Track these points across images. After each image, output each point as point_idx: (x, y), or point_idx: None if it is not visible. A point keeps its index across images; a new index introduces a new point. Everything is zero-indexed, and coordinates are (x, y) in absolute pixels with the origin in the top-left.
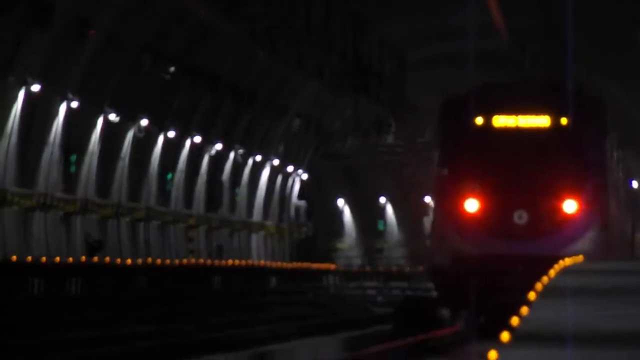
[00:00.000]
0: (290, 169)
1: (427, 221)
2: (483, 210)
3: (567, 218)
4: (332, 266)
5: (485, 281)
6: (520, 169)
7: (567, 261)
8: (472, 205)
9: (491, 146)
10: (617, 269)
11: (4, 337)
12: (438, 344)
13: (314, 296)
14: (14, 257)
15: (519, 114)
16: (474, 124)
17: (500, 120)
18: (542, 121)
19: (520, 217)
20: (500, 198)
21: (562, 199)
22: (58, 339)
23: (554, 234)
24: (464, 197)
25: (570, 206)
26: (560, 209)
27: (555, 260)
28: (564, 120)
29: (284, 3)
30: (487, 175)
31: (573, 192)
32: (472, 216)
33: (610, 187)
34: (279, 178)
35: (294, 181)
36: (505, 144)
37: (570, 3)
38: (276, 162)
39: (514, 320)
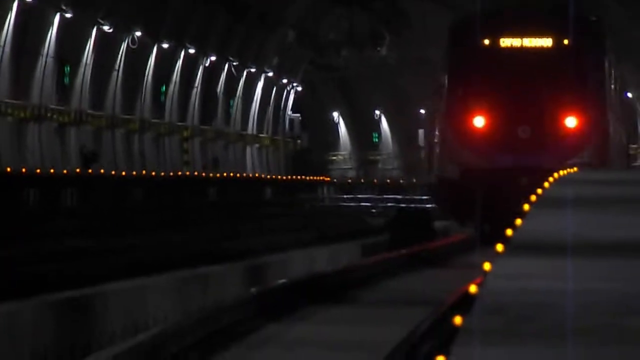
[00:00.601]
0: (284, 81)
1: (422, 133)
2: (489, 125)
3: (568, 132)
4: (327, 178)
5: (491, 192)
6: (524, 87)
7: (562, 172)
8: (479, 121)
9: (497, 66)
10: (611, 179)
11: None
12: (432, 255)
13: (308, 208)
14: (8, 169)
15: (524, 36)
16: (481, 45)
17: (506, 41)
18: (545, 42)
19: (524, 132)
20: (505, 114)
21: (563, 115)
22: (53, 248)
23: (555, 148)
24: (472, 114)
25: (571, 121)
26: (561, 124)
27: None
28: (566, 41)
29: None
30: (493, 93)
31: (574, 109)
32: (479, 131)
33: (609, 103)
34: (274, 90)
35: (288, 93)
36: (511, 63)
37: None
38: (270, 74)
39: (509, 231)
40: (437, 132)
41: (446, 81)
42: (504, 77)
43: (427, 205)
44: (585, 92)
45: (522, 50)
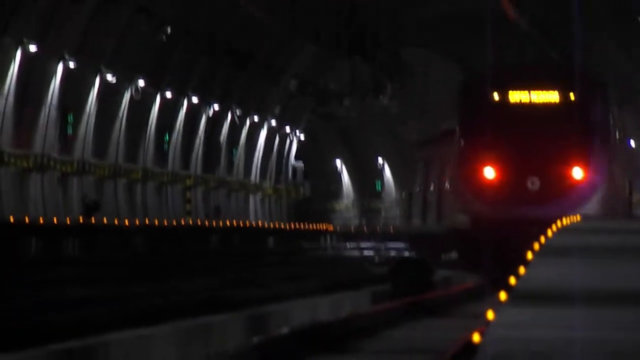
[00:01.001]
0: (287, 129)
1: (419, 181)
2: (499, 177)
3: (575, 184)
4: (330, 227)
5: (500, 242)
6: (533, 140)
7: (565, 221)
8: (489, 172)
9: (507, 119)
10: (613, 228)
11: (1, 295)
12: (434, 304)
13: (311, 256)
14: (11, 218)
15: (532, 91)
16: (491, 100)
17: (515, 96)
18: (552, 97)
19: (533, 184)
20: (515, 166)
21: (570, 167)
22: (54, 297)
23: (563, 198)
24: (483, 165)
25: (577, 173)
26: (568, 176)
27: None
28: (571, 96)
29: None
30: (503, 145)
31: (580, 161)
32: (489, 182)
33: (612, 155)
34: (276, 139)
35: (291, 142)
36: (520, 117)
37: None
38: (273, 123)
39: (512, 280)
40: (447, 182)
41: (458, 134)
42: (513, 131)
43: (427, 253)
44: (590, 145)
45: (530, 105)
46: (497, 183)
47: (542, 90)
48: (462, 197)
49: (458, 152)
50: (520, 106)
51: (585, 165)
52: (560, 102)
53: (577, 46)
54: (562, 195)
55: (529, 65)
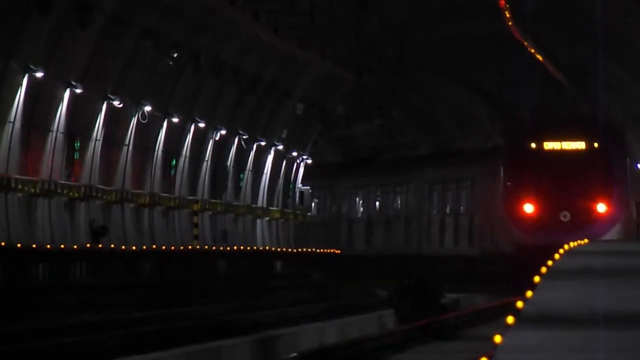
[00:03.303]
0: (294, 153)
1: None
2: (537, 211)
3: (599, 216)
4: (337, 251)
5: (538, 264)
6: (564, 181)
7: (572, 244)
8: (529, 208)
9: (542, 164)
10: (620, 250)
11: (10, 322)
12: (442, 328)
13: (319, 280)
14: (19, 245)
15: (563, 140)
16: (529, 147)
17: (549, 145)
18: (580, 145)
19: (565, 216)
20: (549, 202)
21: (595, 203)
22: (62, 323)
23: (589, 228)
24: (523, 202)
25: (601, 207)
26: (594, 210)
27: None
28: (596, 144)
29: None
30: (539, 185)
31: (603, 197)
32: (529, 216)
33: (628, 191)
34: (283, 163)
35: (298, 166)
36: (553, 162)
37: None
38: (280, 147)
39: (519, 303)
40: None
41: (502, 176)
42: (548, 173)
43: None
44: (611, 184)
45: (562, 152)
46: (535, 216)
47: (571, 139)
48: (506, 228)
49: (502, 191)
50: (554, 153)
51: (607, 201)
52: (586, 149)
53: (600, 102)
54: (589, 226)
55: (560, 117)
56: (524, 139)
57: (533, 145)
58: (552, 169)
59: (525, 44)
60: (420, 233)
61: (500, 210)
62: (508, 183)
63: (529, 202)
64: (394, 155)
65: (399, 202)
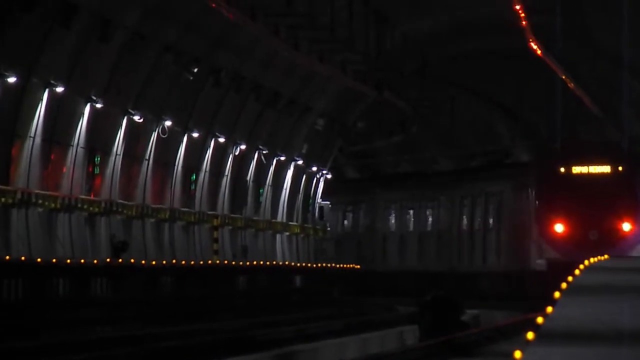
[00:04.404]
0: (314, 168)
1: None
2: (568, 230)
3: (624, 234)
4: (357, 266)
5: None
6: (591, 202)
7: (593, 259)
8: (560, 227)
9: (571, 187)
10: (638, 267)
11: (29, 337)
12: (463, 343)
13: (339, 296)
14: (39, 259)
15: (589, 165)
16: (559, 172)
17: (577, 169)
18: (605, 169)
19: (593, 235)
20: (579, 222)
21: (621, 222)
22: (84, 338)
23: (616, 245)
24: (554, 222)
25: (626, 226)
26: (619, 229)
27: None
28: (620, 168)
29: (307, 1)
30: (569, 207)
31: (627, 217)
32: (560, 235)
33: None
34: (303, 178)
35: (318, 181)
36: (581, 185)
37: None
38: (300, 162)
39: (539, 319)
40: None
41: (535, 199)
42: (577, 195)
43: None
44: (635, 205)
45: (589, 175)
46: (566, 235)
47: (597, 164)
48: (539, 247)
49: (535, 212)
50: (581, 177)
51: (632, 220)
52: (611, 173)
53: (625, 131)
54: (615, 243)
55: (587, 144)
56: (554, 164)
57: (562, 169)
58: (580, 191)
59: (547, 60)
60: (451, 249)
61: (533, 230)
62: (539, 205)
63: (559, 222)
64: (420, 170)
65: (430, 217)
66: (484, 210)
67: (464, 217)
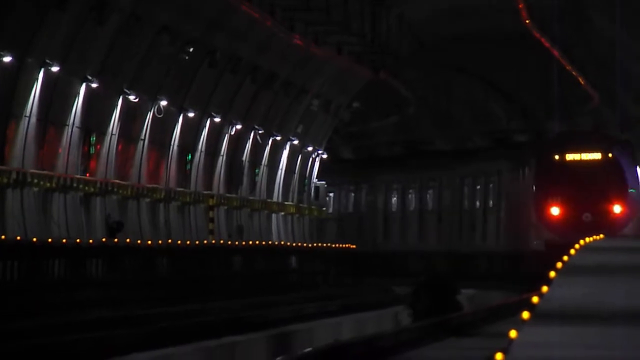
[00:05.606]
0: (309, 148)
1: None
2: (563, 213)
3: (616, 216)
4: (353, 246)
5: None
6: (584, 187)
7: (588, 239)
8: (555, 210)
9: (566, 172)
10: (634, 247)
11: (25, 318)
12: (458, 324)
13: (334, 276)
14: (34, 239)
15: (582, 152)
16: (554, 159)
17: (570, 156)
18: (596, 156)
19: (587, 217)
20: (573, 205)
21: (612, 205)
22: (79, 319)
23: (608, 226)
24: (550, 205)
25: (617, 208)
26: (611, 211)
27: None
28: (610, 155)
29: None
30: (564, 191)
31: (618, 200)
32: (556, 217)
33: (638, 194)
34: (299, 158)
35: (313, 161)
36: (574, 171)
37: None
38: (296, 142)
39: (534, 299)
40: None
41: (533, 184)
42: (570, 180)
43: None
44: (624, 189)
45: (581, 162)
46: (561, 218)
47: (589, 152)
48: (536, 228)
49: (533, 197)
50: (574, 163)
51: (622, 203)
52: (602, 159)
53: (617, 117)
54: (607, 225)
55: (579, 133)
56: (549, 153)
57: (557, 157)
58: (574, 177)
59: (543, 41)
60: (452, 230)
61: (531, 214)
62: (538, 191)
63: (555, 205)
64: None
65: (430, 197)
66: (484, 192)
67: (464, 199)
